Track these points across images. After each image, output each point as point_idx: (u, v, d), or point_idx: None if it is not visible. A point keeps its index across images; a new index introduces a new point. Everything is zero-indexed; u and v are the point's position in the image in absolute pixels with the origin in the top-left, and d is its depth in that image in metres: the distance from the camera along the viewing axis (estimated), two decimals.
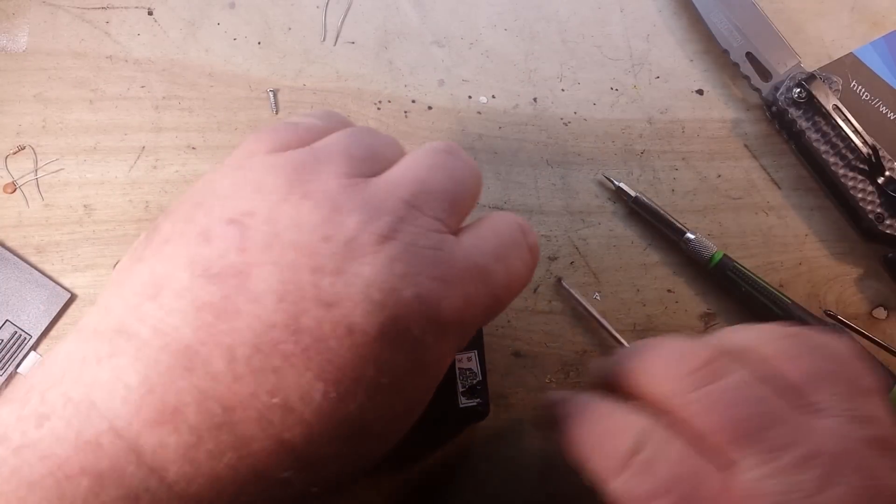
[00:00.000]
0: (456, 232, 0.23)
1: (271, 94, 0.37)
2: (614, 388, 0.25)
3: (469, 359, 0.31)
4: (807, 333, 0.25)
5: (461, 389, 0.31)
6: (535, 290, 0.36)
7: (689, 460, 0.21)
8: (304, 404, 0.19)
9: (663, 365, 0.23)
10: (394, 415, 0.22)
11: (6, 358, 0.33)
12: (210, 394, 0.19)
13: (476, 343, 0.32)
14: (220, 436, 0.19)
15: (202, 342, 0.19)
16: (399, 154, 0.24)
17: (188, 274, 0.20)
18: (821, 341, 0.25)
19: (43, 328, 0.34)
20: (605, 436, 0.23)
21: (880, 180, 0.37)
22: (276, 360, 0.19)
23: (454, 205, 0.23)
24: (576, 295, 0.35)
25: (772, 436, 0.21)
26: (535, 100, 0.39)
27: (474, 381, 0.31)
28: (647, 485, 0.21)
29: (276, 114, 0.37)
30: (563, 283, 0.36)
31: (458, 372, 0.31)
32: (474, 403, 0.31)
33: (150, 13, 0.39)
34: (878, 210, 0.37)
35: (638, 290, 0.36)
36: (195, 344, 0.19)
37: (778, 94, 0.39)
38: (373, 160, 0.23)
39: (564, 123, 0.39)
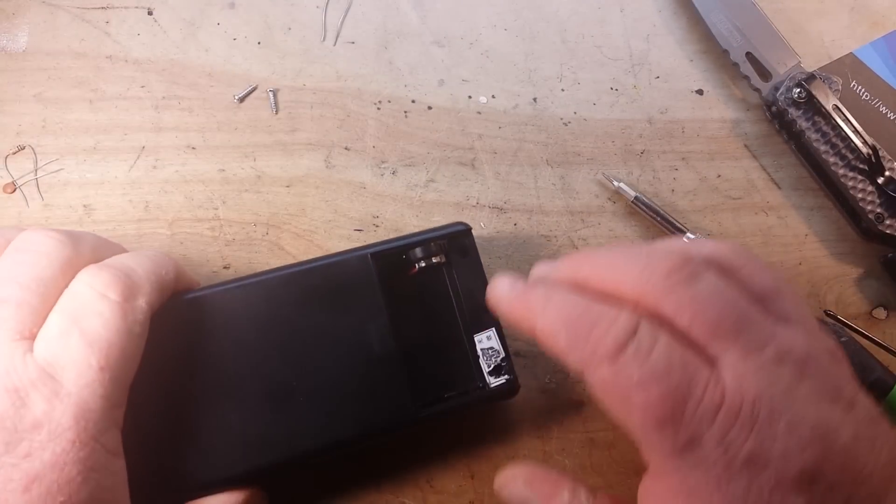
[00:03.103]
0: None
1: (271, 94, 0.37)
2: (571, 286, 0.25)
3: (489, 338, 0.31)
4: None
5: (487, 370, 0.30)
6: None
7: (679, 350, 0.22)
8: None
9: (637, 266, 0.24)
10: None
11: None
12: None
13: (491, 321, 0.31)
14: None
15: None
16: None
17: None
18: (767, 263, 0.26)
19: None
20: (587, 327, 0.23)
21: (880, 180, 0.37)
22: None
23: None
24: None
25: (749, 334, 0.22)
26: (534, 100, 0.39)
27: (499, 359, 0.30)
28: (642, 372, 0.21)
29: (276, 114, 0.37)
30: None
31: (480, 353, 0.30)
32: (503, 381, 0.30)
33: (149, 13, 0.39)
34: (878, 210, 0.37)
35: None
36: None
37: (778, 94, 0.39)
38: None
39: (564, 123, 0.39)
